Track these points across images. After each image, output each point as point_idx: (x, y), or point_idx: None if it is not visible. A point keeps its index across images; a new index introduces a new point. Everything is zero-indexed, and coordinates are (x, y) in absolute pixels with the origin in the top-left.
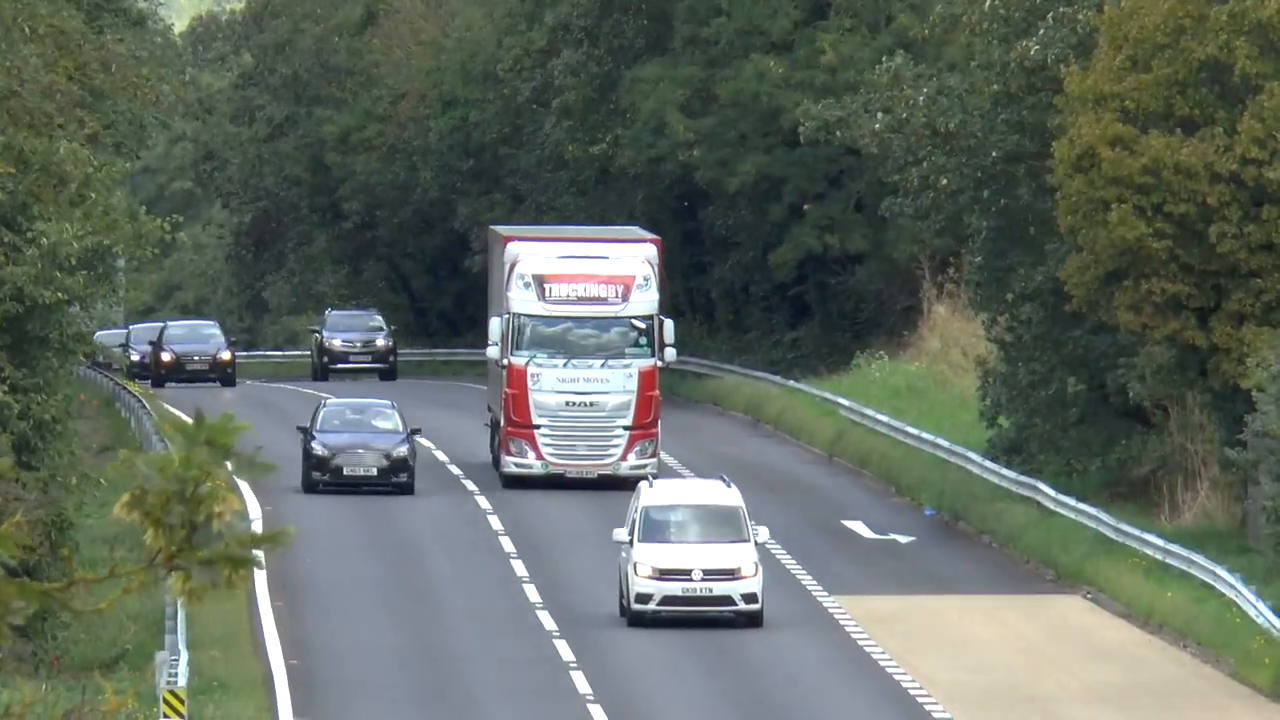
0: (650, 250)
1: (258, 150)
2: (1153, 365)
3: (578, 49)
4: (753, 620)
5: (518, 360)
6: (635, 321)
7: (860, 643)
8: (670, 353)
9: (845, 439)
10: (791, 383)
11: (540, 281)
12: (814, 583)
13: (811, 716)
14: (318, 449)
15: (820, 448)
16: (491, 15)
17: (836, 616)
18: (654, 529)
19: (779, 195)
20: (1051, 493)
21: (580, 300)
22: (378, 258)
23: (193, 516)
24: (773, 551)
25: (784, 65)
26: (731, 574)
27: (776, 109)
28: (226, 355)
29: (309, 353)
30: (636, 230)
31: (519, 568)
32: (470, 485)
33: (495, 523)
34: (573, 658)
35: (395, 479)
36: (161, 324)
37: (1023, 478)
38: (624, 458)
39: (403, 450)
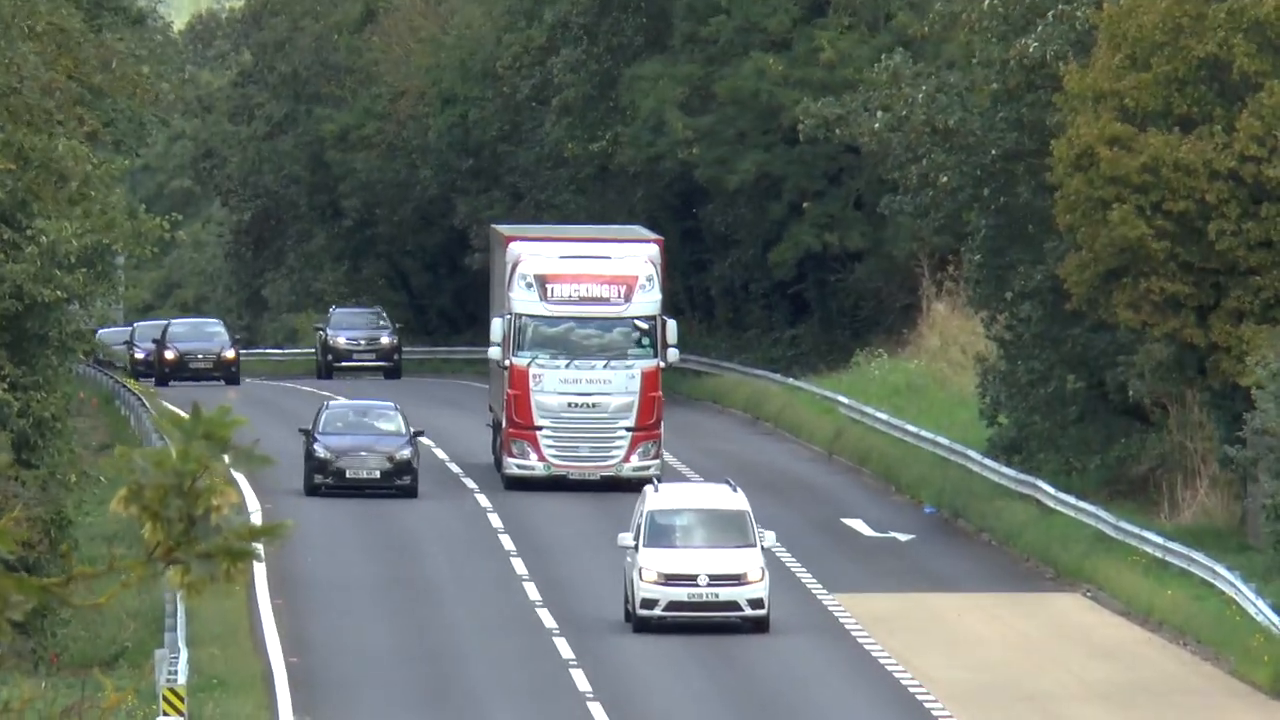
0: (653, 250)
1: (257, 148)
2: (1152, 363)
3: (577, 47)
4: (759, 626)
5: (520, 361)
6: (638, 322)
7: (860, 641)
8: (673, 353)
9: (845, 437)
10: (791, 380)
11: (542, 282)
12: (814, 581)
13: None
14: (320, 451)
15: (820, 446)
16: (491, 13)
17: (836, 615)
18: (659, 533)
19: (778, 193)
20: (1051, 490)
21: (582, 301)
22: (377, 255)
23: (190, 510)
24: (772, 550)
25: (783, 63)
26: (738, 579)
27: (776, 107)
28: (231, 353)
29: (310, 351)
30: (639, 230)
31: (520, 568)
32: (470, 483)
33: (496, 521)
34: (574, 658)
35: (398, 482)
36: (165, 322)
37: (1022, 476)
38: (627, 459)
39: (406, 453)
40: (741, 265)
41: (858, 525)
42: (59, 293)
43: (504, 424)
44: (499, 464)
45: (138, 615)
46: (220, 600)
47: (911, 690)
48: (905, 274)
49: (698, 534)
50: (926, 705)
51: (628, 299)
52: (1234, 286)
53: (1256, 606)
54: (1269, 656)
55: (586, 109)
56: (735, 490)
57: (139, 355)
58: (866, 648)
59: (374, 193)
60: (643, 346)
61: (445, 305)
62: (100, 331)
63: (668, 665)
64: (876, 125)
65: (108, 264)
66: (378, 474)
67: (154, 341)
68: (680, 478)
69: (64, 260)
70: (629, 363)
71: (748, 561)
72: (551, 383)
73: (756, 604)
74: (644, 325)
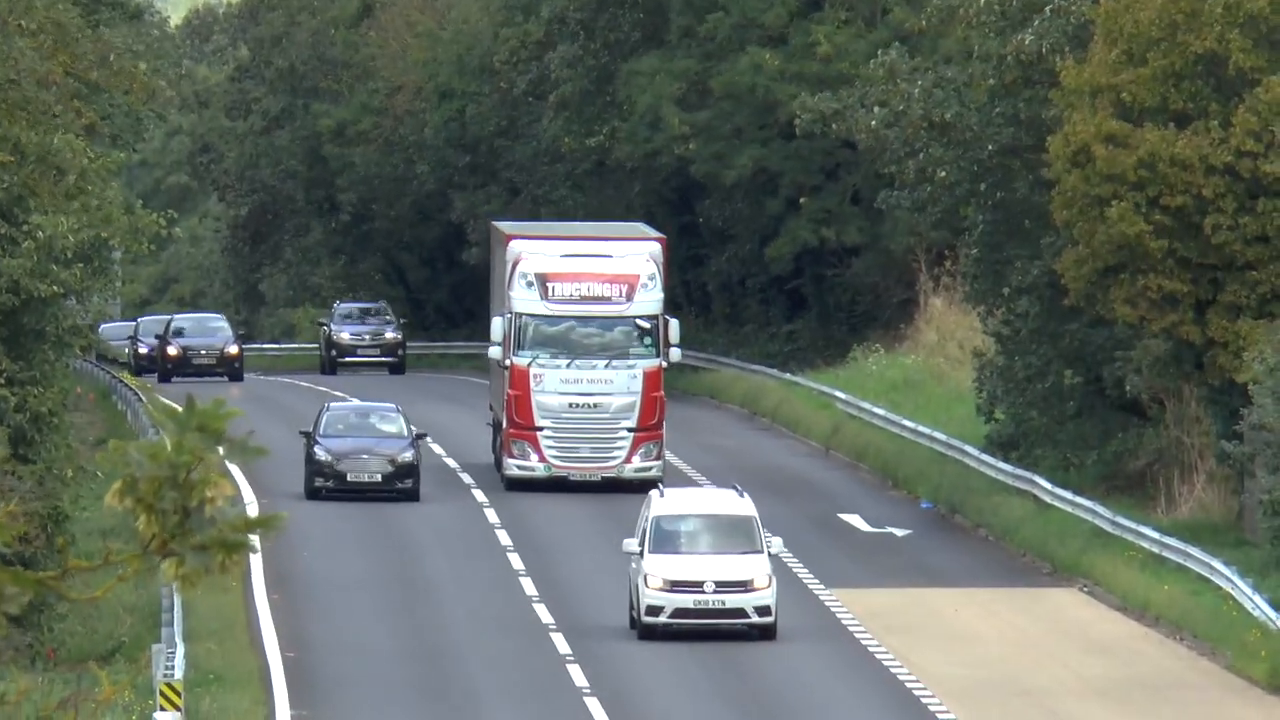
0: (655, 248)
1: (254, 143)
2: (1149, 358)
3: (573, 42)
4: (766, 633)
5: (520, 361)
6: (640, 321)
7: (857, 637)
8: (675, 353)
9: (842, 432)
10: (788, 376)
11: (543, 281)
12: (811, 577)
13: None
14: (321, 454)
15: (817, 441)
16: (488, 7)
17: (833, 611)
18: (665, 539)
19: (775, 188)
20: (1048, 486)
21: (584, 300)
22: (374, 250)
23: (185, 502)
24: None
25: (779, 58)
26: (745, 586)
27: (772, 102)
28: (234, 349)
29: (308, 346)
30: (641, 228)
31: (518, 565)
32: (467, 478)
33: (493, 517)
34: (574, 658)
35: (400, 485)
36: (169, 316)
37: (1019, 471)
38: (628, 460)
39: (408, 455)
40: (739, 260)
41: (855, 521)
42: (56, 288)
43: (504, 424)
44: (499, 464)
45: (134, 610)
46: (217, 595)
47: (909, 686)
48: (902, 269)
49: (704, 540)
50: (923, 700)
51: (629, 298)
52: (1230, 282)
53: (1253, 601)
54: (1266, 651)
55: (583, 104)
56: (742, 495)
57: (143, 350)
58: (864, 643)
59: (371, 187)
60: (644, 346)
61: (442, 300)
62: (103, 326)
63: (672, 672)
64: (873, 122)
65: (105, 259)
66: (379, 477)
67: (156, 337)
68: (678, 474)
69: (61, 255)
70: (631, 362)
71: (755, 568)
72: (552, 383)
73: (763, 611)
74: (646, 324)
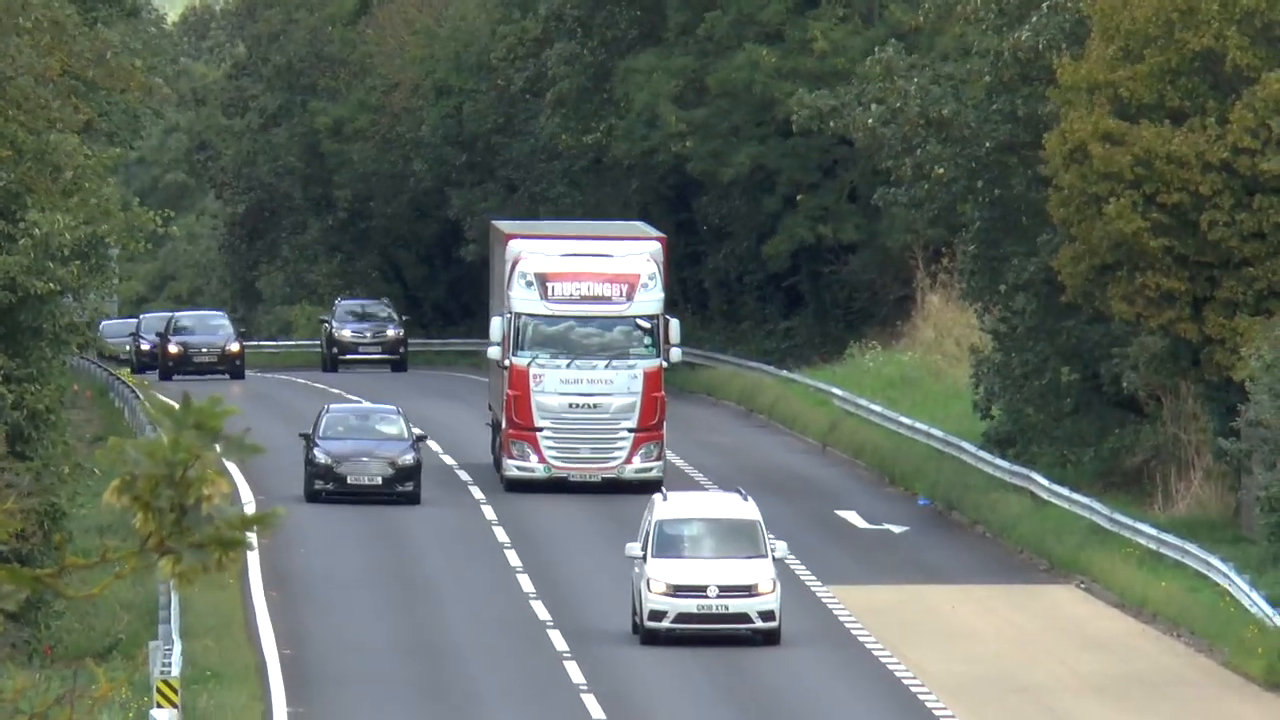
0: (655, 248)
1: (251, 140)
2: (1146, 355)
3: (571, 39)
4: (770, 638)
5: (520, 361)
6: (640, 321)
7: (854, 633)
8: (676, 353)
9: (839, 429)
10: (785, 373)
11: (543, 280)
12: (808, 573)
13: (807, 709)
14: (320, 457)
15: (814, 438)
16: (485, 4)
17: (830, 607)
18: (668, 544)
19: (772, 186)
20: (1045, 483)
21: (584, 299)
22: (371, 247)
23: (182, 500)
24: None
25: (776, 54)
26: (748, 590)
27: (769, 99)
28: (235, 347)
29: (305, 343)
30: (641, 227)
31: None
32: (464, 475)
33: (491, 514)
34: (575, 662)
35: (400, 488)
36: (170, 314)
37: (1016, 468)
38: (629, 461)
39: (409, 458)
40: (736, 257)
41: (852, 517)
42: (52, 285)
43: (504, 425)
44: (498, 465)
45: (132, 607)
46: (214, 593)
47: (905, 682)
48: (899, 266)
49: (707, 544)
50: (920, 697)
51: (630, 298)
52: (1227, 279)
53: (1250, 598)
54: (1263, 648)
55: (581, 101)
56: (746, 499)
57: (145, 347)
58: (862, 641)
59: (368, 185)
60: (645, 346)
61: (439, 298)
62: (104, 323)
63: (675, 678)
64: (870, 120)
65: (102, 256)
66: (379, 480)
67: (158, 334)
68: (678, 474)
69: (58, 252)
70: (631, 362)
71: (758, 572)
72: (552, 383)
73: (767, 616)
74: (646, 324)
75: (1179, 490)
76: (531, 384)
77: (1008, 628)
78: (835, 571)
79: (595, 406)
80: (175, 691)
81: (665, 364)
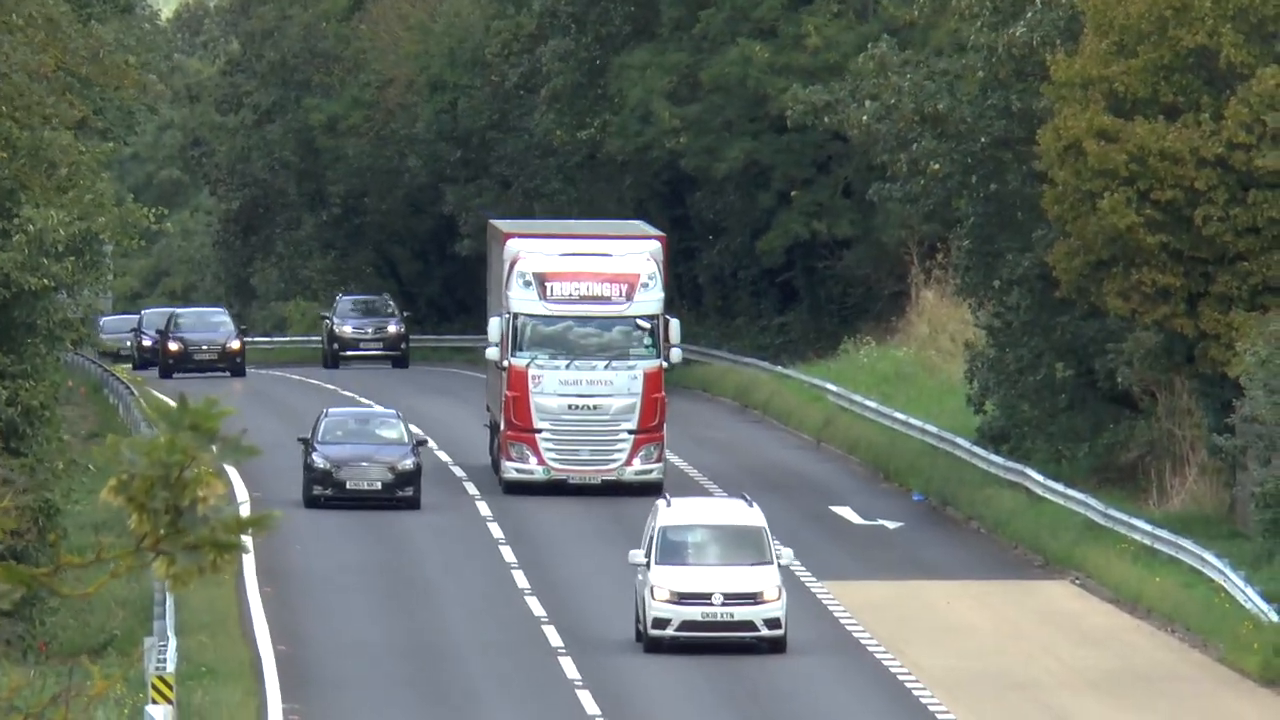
0: (655, 247)
1: (246, 136)
2: (1141, 351)
3: (565, 35)
4: (776, 646)
5: (518, 362)
6: (640, 321)
7: (849, 629)
8: (676, 353)
9: (833, 425)
10: (779, 368)
11: (541, 280)
12: (803, 569)
13: (804, 705)
14: (319, 461)
15: (808, 433)
16: (479, 1)
17: (825, 603)
18: (672, 550)
19: (767, 181)
20: (1040, 478)
21: (583, 299)
22: (366, 243)
23: (177, 501)
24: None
25: (769, 50)
26: (754, 598)
27: (763, 95)
28: (236, 344)
29: (299, 339)
30: (640, 226)
31: (514, 565)
32: (459, 472)
33: (485, 509)
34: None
35: (400, 493)
36: (171, 310)
37: (1011, 463)
38: (629, 462)
39: (409, 463)
40: (730, 253)
41: (846, 513)
42: (46, 281)
43: (502, 426)
44: (496, 466)
45: (126, 603)
46: (209, 589)
47: (900, 678)
48: (894, 261)
49: (712, 551)
50: (915, 693)
51: (629, 298)
52: (1222, 274)
53: (1245, 594)
54: (1258, 644)
55: (575, 97)
56: (751, 505)
57: (146, 343)
58: (856, 636)
59: (363, 180)
60: (645, 346)
61: (434, 294)
62: (105, 319)
63: (679, 686)
64: (865, 117)
65: (96, 252)
66: (379, 485)
67: (158, 331)
68: (674, 471)
69: (52, 249)
70: (631, 363)
71: (764, 580)
72: (551, 384)
73: (773, 624)
74: (646, 324)
75: (1174, 486)
76: (530, 385)
77: (1003, 623)
78: (830, 568)
79: (595, 408)
80: (170, 688)
81: (666, 364)
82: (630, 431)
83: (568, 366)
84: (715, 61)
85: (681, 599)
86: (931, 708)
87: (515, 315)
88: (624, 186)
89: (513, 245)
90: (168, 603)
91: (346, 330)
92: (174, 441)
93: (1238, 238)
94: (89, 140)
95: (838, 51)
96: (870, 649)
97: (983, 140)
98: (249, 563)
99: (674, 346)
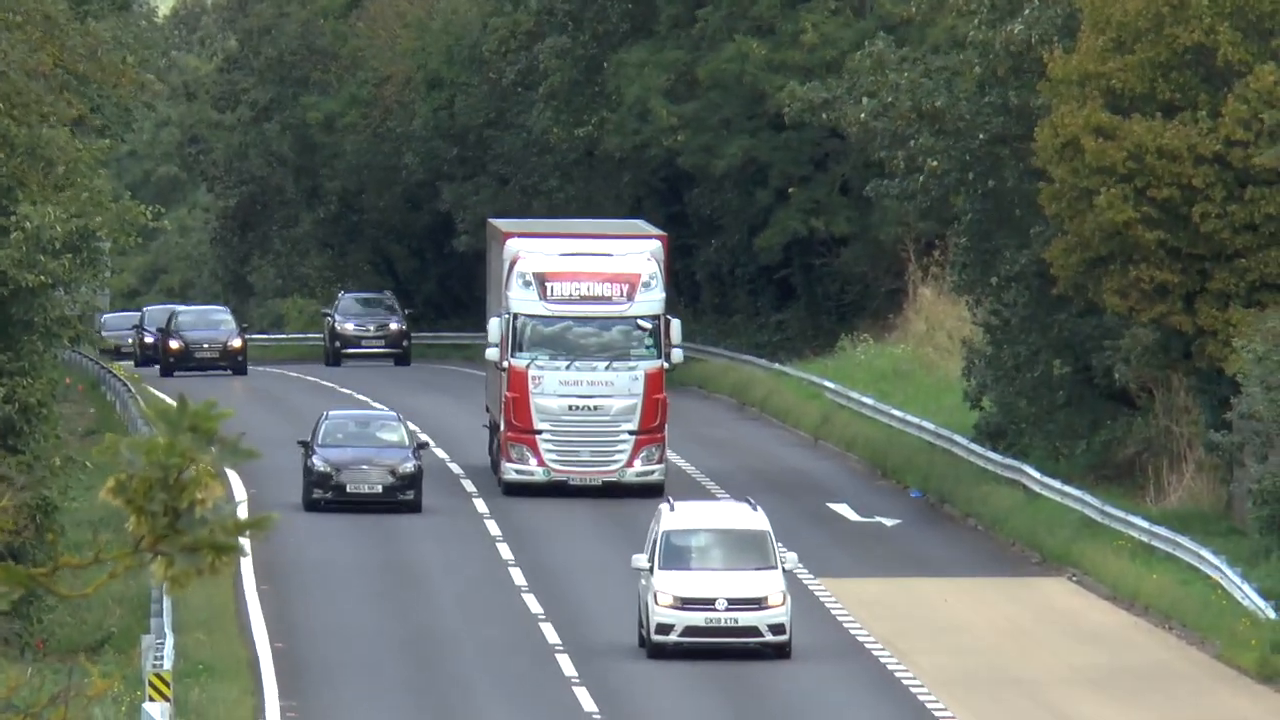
0: (655, 246)
1: (243, 134)
2: (1138, 348)
3: (562, 33)
4: (780, 652)
5: (518, 362)
6: (641, 322)
7: (846, 626)
8: (677, 354)
9: (831, 422)
10: (777, 366)
11: (541, 280)
12: (800, 567)
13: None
14: (319, 464)
15: (806, 431)
16: None
17: (823, 600)
18: (675, 555)
19: (764, 179)
20: (1037, 475)
21: (583, 300)
22: (363, 240)
23: (175, 503)
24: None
25: (766, 46)
26: (758, 603)
27: (760, 92)
28: (238, 342)
29: (302, 336)
30: (641, 225)
31: (509, 558)
32: (455, 468)
33: (482, 506)
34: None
35: (401, 497)
36: (172, 307)
37: (1008, 460)
38: (630, 464)
39: (410, 466)
40: (728, 250)
41: (844, 510)
42: (44, 278)
43: (502, 427)
44: (495, 467)
45: (124, 601)
46: (207, 586)
47: (898, 675)
48: (891, 259)
49: (715, 555)
50: (912, 690)
51: (630, 298)
52: (1219, 270)
53: (1242, 591)
54: (1255, 640)
55: (572, 94)
56: (755, 509)
57: (148, 340)
58: (853, 633)
59: (360, 177)
60: (646, 347)
61: (431, 291)
62: (107, 316)
63: (683, 693)
64: (863, 115)
65: (93, 250)
66: (380, 488)
67: (159, 329)
68: (673, 469)
69: (49, 246)
70: (632, 364)
71: (768, 584)
72: (551, 385)
73: (778, 629)
74: (647, 325)
75: (1171, 483)
76: (530, 386)
77: (1000, 620)
78: (827, 565)
79: (595, 409)
80: (167, 685)
81: (667, 365)
82: (631, 432)
83: (568, 367)
84: (712, 59)
85: (685, 604)
86: (928, 705)
87: (515, 315)
88: (621, 184)
89: (512, 245)
90: (165, 601)
91: (348, 328)
92: (173, 443)
93: (1235, 235)
94: (86, 137)
95: (835, 48)
96: (868, 646)
97: (980, 137)
98: (246, 560)
99: (675, 347)
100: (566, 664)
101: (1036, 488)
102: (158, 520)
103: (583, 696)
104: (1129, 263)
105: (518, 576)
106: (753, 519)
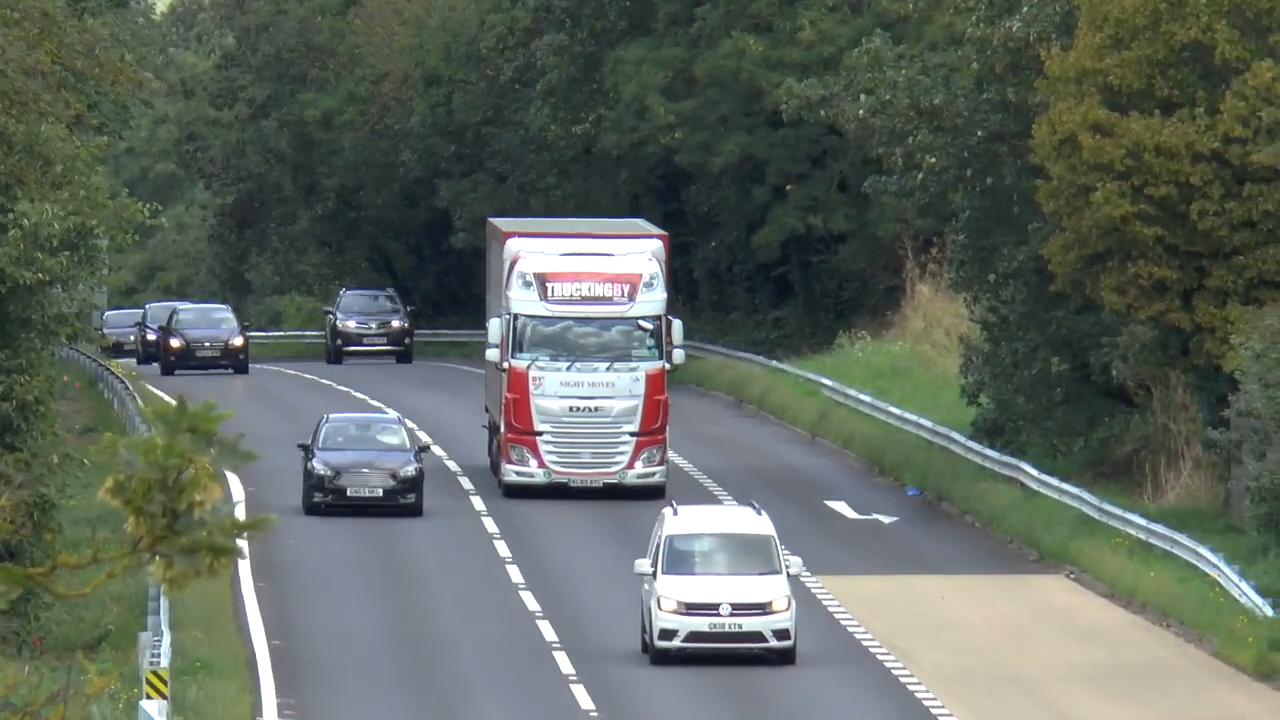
0: (657, 246)
1: (241, 130)
2: (1135, 345)
3: (560, 30)
4: (785, 658)
5: (519, 363)
6: (642, 322)
7: (844, 624)
8: (679, 354)
9: (828, 419)
10: (774, 363)
11: (542, 280)
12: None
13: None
14: (319, 468)
15: (803, 428)
16: None
17: (820, 598)
18: (679, 560)
19: (762, 176)
20: (1034, 473)
21: (584, 300)
22: (361, 238)
23: (174, 504)
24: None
25: (763, 43)
26: (762, 608)
27: (758, 89)
28: (239, 341)
29: (300, 333)
30: (642, 224)
31: (506, 555)
32: (452, 465)
33: (479, 504)
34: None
35: (402, 500)
36: (173, 304)
37: (1006, 458)
38: (630, 465)
39: (410, 469)
40: (725, 247)
41: (841, 508)
42: (41, 275)
43: (502, 429)
44: (495, 468)
45: (121, 599)
46: (204, 584)
47: (895, 672)
48: (889, 256)
49: (719, 560)
50: (910, 688)
51: (631, 298)
52: (1217, 267)
53: (1240, 588)
54: (1253, 638)
55: (570, 91)
56: (760, 513)
57: (151, 337)
58: (850, 630)
59: (357, 174)
60: (647, 348)
61: (429, 288)
62: (109, 313)
63: (687, 700)
64: (861, 111)
65: (90, 247)
66: (380, 492)
67: (160, 327)
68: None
69: (46, 243)
70: (633, 365)
71: (773, 589)
72: (552, 386)
73: (782, 635)
74: (648, 325)
75: (1168, 480)
76: (531, 387)
77: (997, 618)
78: (825, 562)
79: (596, 410)
80: (165, 683)
81: (668, 366)
82: (632, 434)
83: (569, 368)
84: (709, 56)
85: (689, 609)
86: (926, 702)
87: (515, 316)
88: (619, 181)
89: (513, 245)
90: (162, 598)
91: (350, 325)
92: (172, 444)
93: (1233, 232)
94: (84, 135)
95: (832, 45)
96: (867, 645)
97: (978, 134)
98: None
99: (676, 347)
100: (565, 663)
101: (1034, 485)
102: (156, 521)
103: (579, 693)
104: (1127, 259)
105: (515, 573)
106: (757, 523)
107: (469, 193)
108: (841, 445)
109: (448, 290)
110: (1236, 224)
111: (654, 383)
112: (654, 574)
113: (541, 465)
